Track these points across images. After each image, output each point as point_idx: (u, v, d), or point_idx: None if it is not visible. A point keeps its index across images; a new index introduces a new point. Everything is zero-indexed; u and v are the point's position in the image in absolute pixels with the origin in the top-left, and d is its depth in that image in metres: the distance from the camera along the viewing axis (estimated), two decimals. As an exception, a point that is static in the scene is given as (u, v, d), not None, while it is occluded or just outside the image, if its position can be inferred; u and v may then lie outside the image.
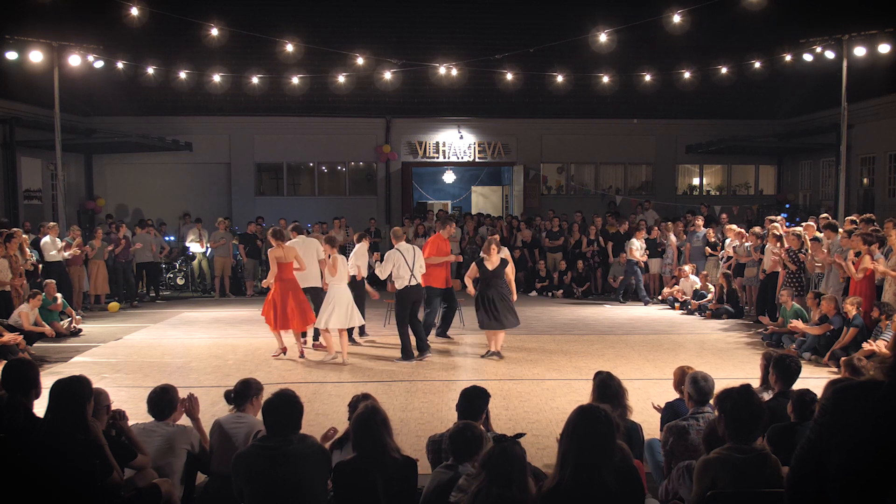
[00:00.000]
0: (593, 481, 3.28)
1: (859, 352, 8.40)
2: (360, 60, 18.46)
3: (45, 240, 13.49)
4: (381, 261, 10.40)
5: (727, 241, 14.09)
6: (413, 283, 9.74)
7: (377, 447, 3.93)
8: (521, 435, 3.60)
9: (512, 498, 3.30)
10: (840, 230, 11.27)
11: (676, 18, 15.37)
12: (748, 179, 23.37)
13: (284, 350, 10.05)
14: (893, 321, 8.70)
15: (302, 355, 9.91)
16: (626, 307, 14.98)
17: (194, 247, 17.38)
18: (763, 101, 22.29)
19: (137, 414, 5.32)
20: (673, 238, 15.78)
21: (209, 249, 17.19)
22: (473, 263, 10.07)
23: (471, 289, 10.09)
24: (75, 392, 4.08)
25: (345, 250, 16.89)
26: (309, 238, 10.94)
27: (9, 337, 9.81)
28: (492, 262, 9.76)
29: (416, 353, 9.79)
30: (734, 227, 14.23)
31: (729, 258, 13.91)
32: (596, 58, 19.57)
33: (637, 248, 15.34)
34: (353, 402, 4.70)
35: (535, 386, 8.42)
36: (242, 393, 4.97)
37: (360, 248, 11.03)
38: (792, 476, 2.46)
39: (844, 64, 15.15)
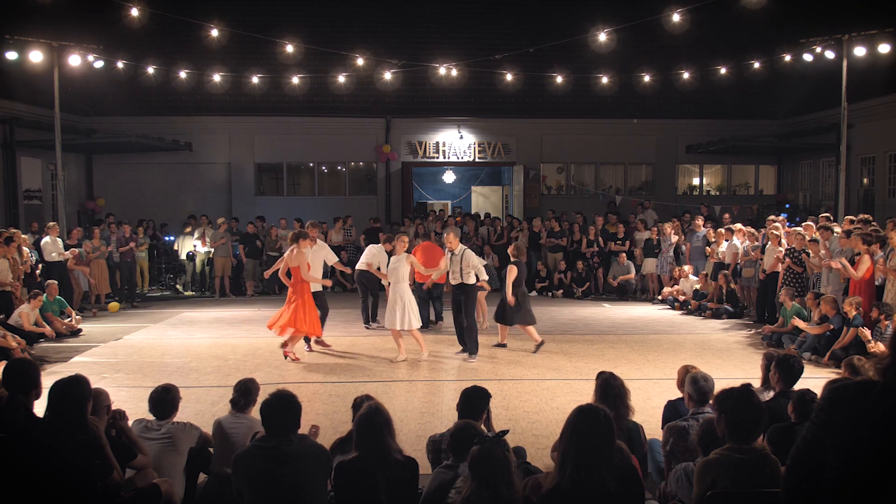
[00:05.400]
0: (593, 481, 3.28)
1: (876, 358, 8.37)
2: (360, 60, 18.46)
3: (46, 240, 13.47)
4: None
5: (727, 242, 13.98)
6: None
7: (379, 447, 3.92)
8: (504, 433, 3.60)
9: (504, 498, 3.31)
10: (838, 230, 11.25)
11: (676, 18, 15.35)
12: (748, 179, 23.36)
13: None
14: (893, 321, 8.70)
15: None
16: (626, 307, 14.98)
17: (196, 244, 17.33)
18: (763, 101, 22.28)
19: (137, 414, 5.33)
20: (675, 237, 15.78)
21: (210, 249, 17.19)
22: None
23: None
24: (75, 392, 4.08)
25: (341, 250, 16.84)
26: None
27: (13, 343, 9.81)
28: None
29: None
30: (738, 226, 14.17)
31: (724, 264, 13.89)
32: (596, 58, 19.56)
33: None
34: (356, 403, 4.71)
35: (535, 386, 8.42)
36: (249, 398, 5.05)
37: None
38: (788, 476, 2.46)
39: (844, 64, 15.14)
